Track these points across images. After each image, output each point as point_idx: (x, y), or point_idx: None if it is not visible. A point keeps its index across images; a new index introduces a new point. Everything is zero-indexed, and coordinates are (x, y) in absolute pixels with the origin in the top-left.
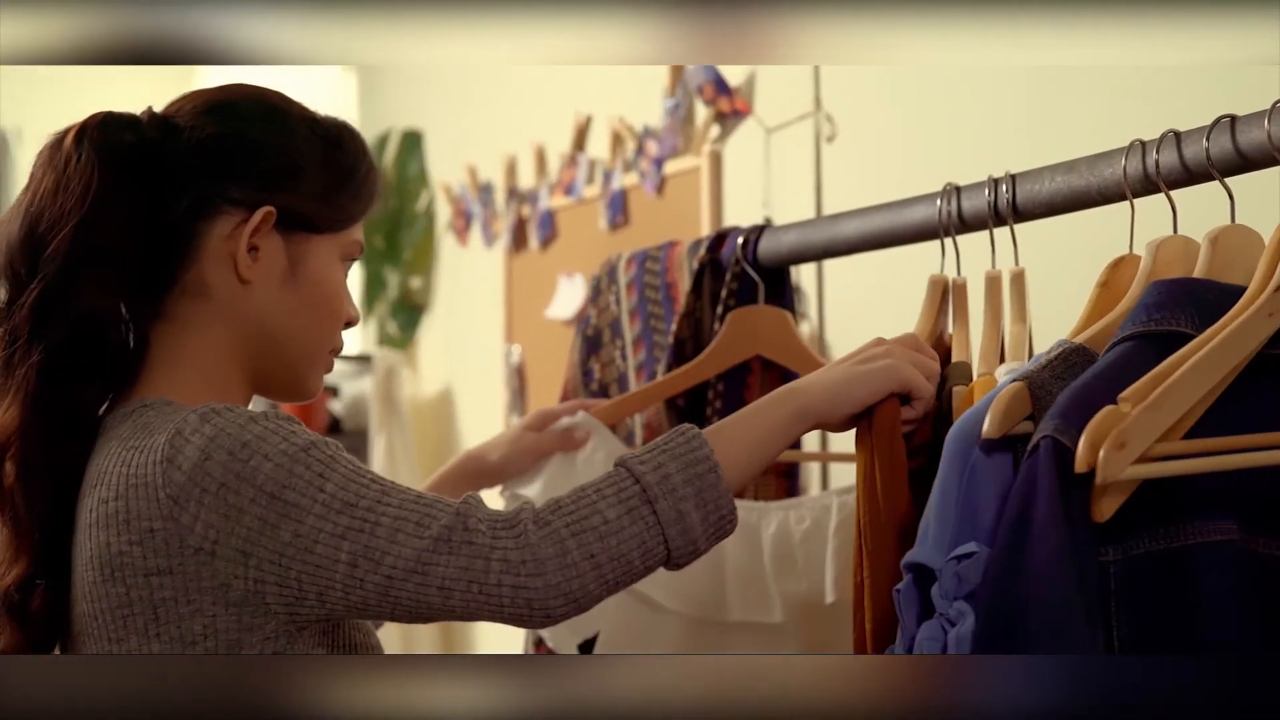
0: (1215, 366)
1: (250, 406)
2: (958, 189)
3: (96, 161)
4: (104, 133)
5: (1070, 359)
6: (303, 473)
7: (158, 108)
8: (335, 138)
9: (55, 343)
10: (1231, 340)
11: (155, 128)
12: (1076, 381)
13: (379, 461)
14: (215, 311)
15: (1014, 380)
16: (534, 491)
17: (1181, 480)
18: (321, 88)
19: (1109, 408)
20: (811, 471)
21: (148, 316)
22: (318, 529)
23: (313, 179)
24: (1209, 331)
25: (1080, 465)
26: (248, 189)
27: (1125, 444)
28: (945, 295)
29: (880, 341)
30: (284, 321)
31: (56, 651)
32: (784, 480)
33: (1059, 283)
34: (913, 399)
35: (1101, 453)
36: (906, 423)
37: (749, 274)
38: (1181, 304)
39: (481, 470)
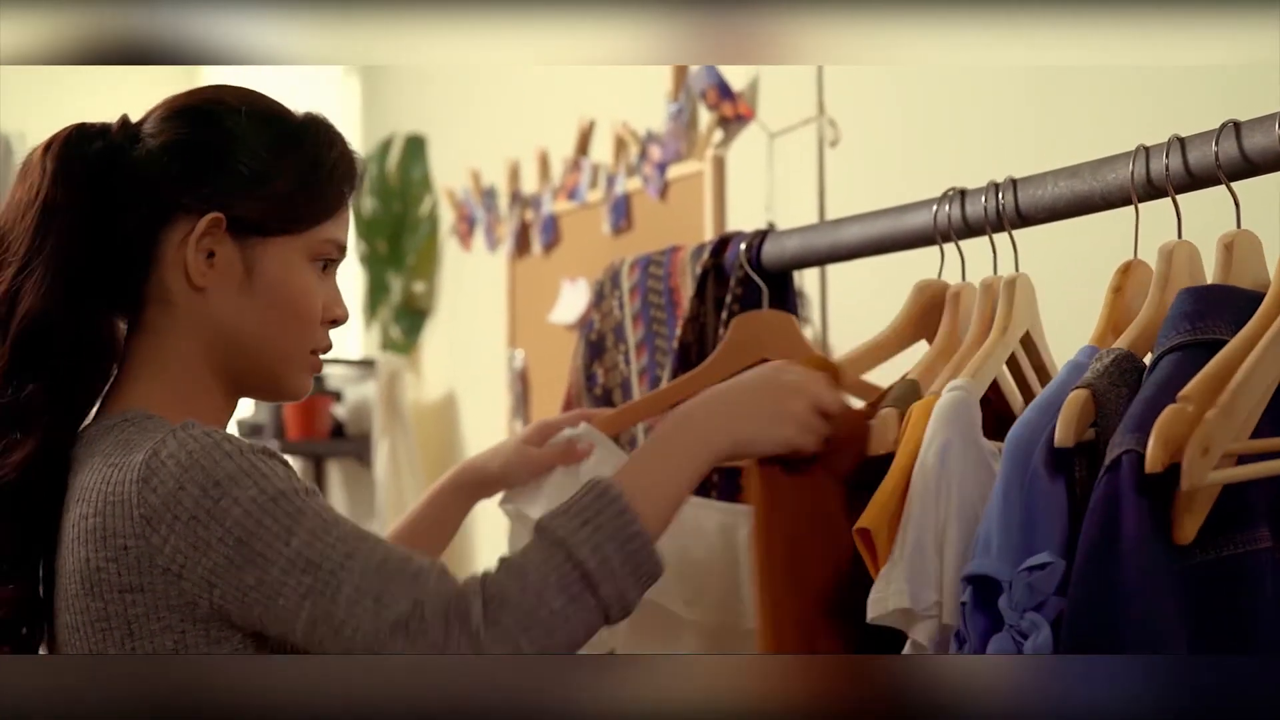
0: (1270, 368)
1: (245, 406)
2: (962, 193)
3: (53, 173)
4: (68, 145)
5: (1122, 365)
6: (270, 525)
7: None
8: (294, 138)
9: (3, 346)
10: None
11: (123, 135)
12: (1142, 393)
13: (382, 466)
14: (180, 318)
15: (1077, 388)
16: (538, 509)
17: (1226, 489)
18: (325, 92)
19: (1173, 406)
20: None
21: (119, 325)
22: (281, 582)
23: (267, 182)
24: (1247, 335)
25: (1152, 465)
26: (199, 195)
27: (1208, 449)
28: (933, 303)
29: (788, 368)
30: (248, 326)
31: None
32: None
33: (1059, 287)
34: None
35: (1186, 460)
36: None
37: (753, 279)
38: (1219, 311)
39: (480, 481)
